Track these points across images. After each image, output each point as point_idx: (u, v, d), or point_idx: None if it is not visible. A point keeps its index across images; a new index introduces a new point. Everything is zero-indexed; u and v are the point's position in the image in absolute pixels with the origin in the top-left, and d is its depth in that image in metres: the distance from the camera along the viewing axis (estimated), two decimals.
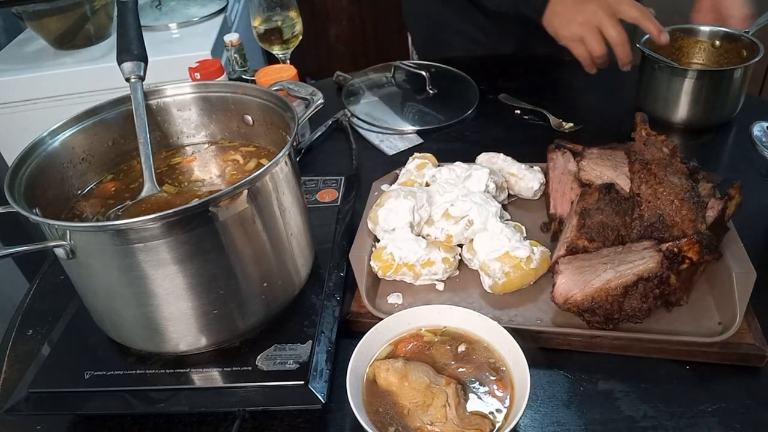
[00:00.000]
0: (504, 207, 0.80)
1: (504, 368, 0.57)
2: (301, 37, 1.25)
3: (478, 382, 0.57)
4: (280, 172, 0.60)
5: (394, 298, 0.70)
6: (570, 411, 0.58)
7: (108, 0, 1.58)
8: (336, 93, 1.20)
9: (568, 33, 0.95)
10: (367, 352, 0.59)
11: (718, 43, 1.03)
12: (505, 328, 0.58)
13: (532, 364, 0.54)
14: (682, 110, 0.96)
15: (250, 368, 0.59)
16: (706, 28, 1.03)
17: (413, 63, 1.23)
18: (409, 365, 0.57)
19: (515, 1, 1.04)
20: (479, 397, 0.55)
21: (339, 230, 0.78)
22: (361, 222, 0.79)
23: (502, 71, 1.23)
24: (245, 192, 0.55)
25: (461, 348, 0.60)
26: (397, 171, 0.88)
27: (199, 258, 0.55)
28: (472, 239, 0.71)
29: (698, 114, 0.96)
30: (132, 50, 0.66)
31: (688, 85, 0.94)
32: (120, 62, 0.66)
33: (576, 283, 0.63)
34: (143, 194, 0.62)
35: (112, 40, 1.62)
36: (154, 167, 0.64)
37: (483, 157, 0.86)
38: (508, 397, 0.55)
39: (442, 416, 0.52)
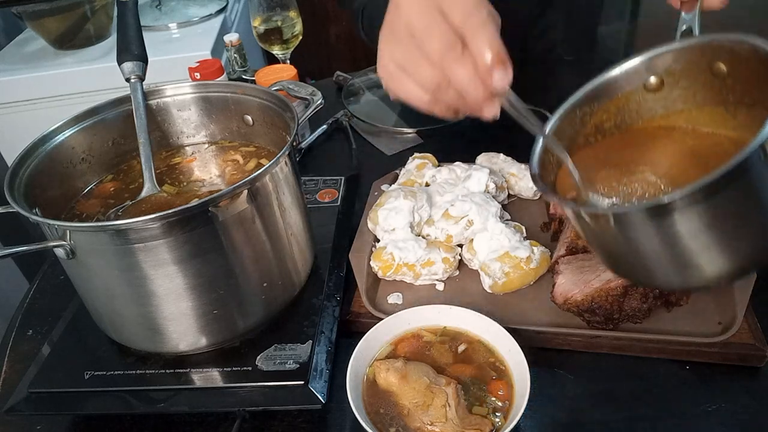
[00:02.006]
0: (504, 207, 0.80)
1: (504, 368, 0.57)
2: (301, 37, 1.25)
3: (478, 382, 0.57)
4: (280, 172, 0.60)
5: (394, 298, 0.70)
6: (570, 411, 0.58)
7: (108, 0, 1.58)
8: (336, 93, 1.20)
9: (412, 99, 0.55)
10: (367, 352, 0.59)
11: (723, 67, 0.50)
12: (505, 328, 0.58)
13: (532, 364, 0.54)
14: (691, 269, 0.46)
15: (250, 368, 0.59)
16: (683, 43, 0.52)
17: None
18: (409, 365, 0.57)
19: None
20: (479, 397, 0.55)
21: (339, 230, 0.78)
22: (361, 222, 0.79)
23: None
24: (245, 192, 0.55)
25: (461, 348, 0.60)
26: (397, 171, 0.88)
27: (199, 258, 0.55)
28: (472, 239, 0.71)
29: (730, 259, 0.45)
30: (132, 50, 0.66)
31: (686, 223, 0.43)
32: (120, 62, 0.66)
33: (576, 283, 0.63)
34: (143, 194, 0.62)
35: (112, 40, 1.62)
36: (154, 167, 0.64)
37: (483, 157, 0.86)
38: (508, 397, 0.55)
39: (442, 416, 0.52)
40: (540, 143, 0.52)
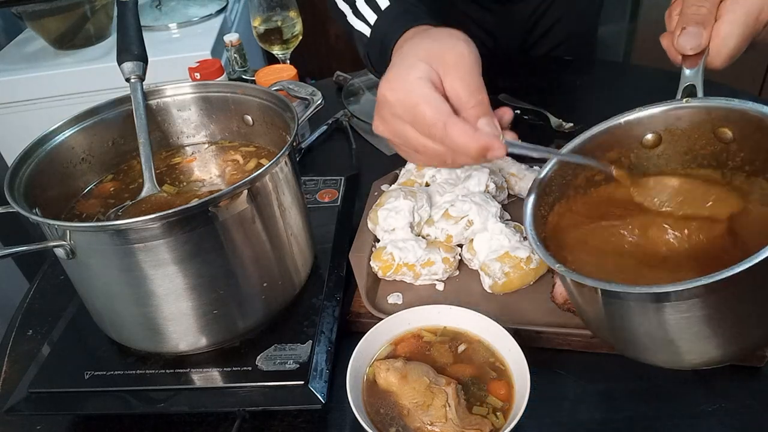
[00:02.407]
0: (504, 207, 0.80)
1: (504, 368, 0.57)
2: (301, 37, 1.25)
3: (478, 382, 0.57)
4: (280, 172, 0.60)
5: (394, 298, 0.70)
6: (570, 411, 0.58)
7: (108, 0, 1.58)
8: (336, 93, 1.20)
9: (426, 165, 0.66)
10: (367, 352, 0.59)
11: (729, 132, 0.49)
12: (505, 328, 0.58)
13: (532, 364, 0.54)
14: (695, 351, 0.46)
15: (250, 368, 0.59)
16: (692, 104, 0.50)
17: None
18: (409, 365, 0.57)
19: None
20: (479, 397, 0.55)
21: (339, 230, 0.78)
22: (361, 222, 0.79)
23: (502, 71, 1.23)
24: (245, 192, 0.55)
25: (461, 348, 0.60)
26: (397, 171, 0.88)
27: (199, 258, 0.55)
28: (472, 239, 0.71)
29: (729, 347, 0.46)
30: (132, 50, 0.66)
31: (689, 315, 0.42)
32: (120, 62, 0.66)
33: None
34: (143, 194, 0.62)
35: (112, 40, 1.62)
36: (154, 167, 0.64)
37: None
38: (508, 397, 0.55)
39: (442, 416, 0.52)
40: (532, 200, 0.51)
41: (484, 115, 0.51)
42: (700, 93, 0.50)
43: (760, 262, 0.35)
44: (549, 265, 0.45)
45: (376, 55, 0.68)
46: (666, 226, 0.50)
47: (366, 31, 0.69)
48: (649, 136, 0.53)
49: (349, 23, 0.72)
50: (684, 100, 0.50)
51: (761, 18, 0.48)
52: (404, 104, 0.52)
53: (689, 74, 0.50)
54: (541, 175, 0.52)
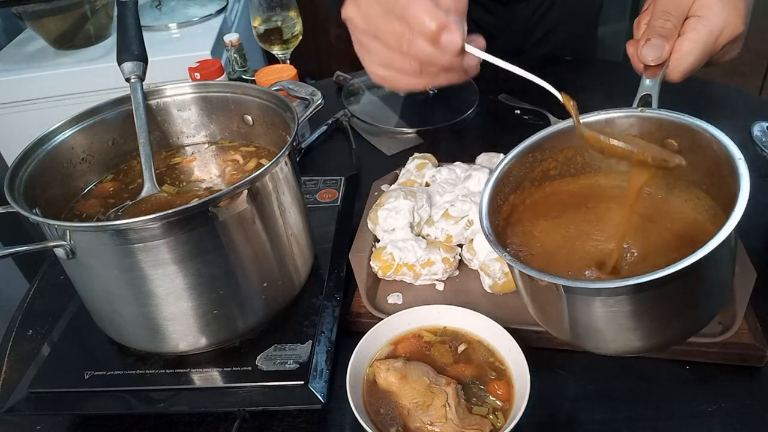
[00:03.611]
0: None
1: (504, 368, 0.57)
2: (301, 37, 1.25)
3: (478, 382, 0.57)
4: (280, 172, 0.60)
5: (394, 298, 0.70)
6: (570, 411, 0.58)
7: (108, 0, 1.58)
8: (336, 93, 1.20)
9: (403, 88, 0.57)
10: (367, 352, 0.59)
11: (674, 144, 0.51)
12: (505, 328, 0.58)
13: (532, 364, 0.54)
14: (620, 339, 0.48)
15: (250, 368, 0.59)
16: (646, 114, 0.52)
17: None
18: (409, 365, 0.57)
19: None
20: (479, 397, 0.55)
21: (339, 230, 0.78)
22: (361, 222, 0.79)
23: (502, 71, 1.23)
24: (245, 192, 0.55)
25: (461, 348, 0.60)
26: (397, 171, 0.88)
27: (199, 258, 0.55)
28: (472, 239, 0.71)
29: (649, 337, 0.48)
30: (132, 50, 0.66)
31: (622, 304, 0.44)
32: (120, 62, 0.66)
33: None
34: (143, 194, 0.62)
35: (112, 40, 1.62)
36: (154, 167, 0.64)
37: (483, 157, 0.86)
38: (508, 397, 0.55)
39: (442, 416, 0.52)
40: (489, 187, 0.52)
41: (456, 13, 0.50)
42: (654, 104, 0.53)
43: (680, 270, 0.38)
44: (496, 253, 0.47)
45: None
46: (614, 221, 0.53)
47: None
48: (602, 138, 0.54)
49: None
50: (639, 109, 0.52)
51: (720, 40, 0.51)
52: (373, 21, 0.51)
53: (648, 84, 0.54)
54: (500, 166, 0.54)
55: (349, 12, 0.55)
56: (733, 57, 0.56)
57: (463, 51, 0.50)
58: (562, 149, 0.56)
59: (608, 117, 0.53)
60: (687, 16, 0.52)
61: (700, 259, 0.38)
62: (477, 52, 0.51)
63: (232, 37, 1.22)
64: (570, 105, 0.51)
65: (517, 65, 0.51)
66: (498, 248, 0.47)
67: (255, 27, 1.21)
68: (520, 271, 0.46)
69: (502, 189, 0.54)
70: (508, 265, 0.47)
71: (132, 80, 0.66)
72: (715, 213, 0.49)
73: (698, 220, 0.51)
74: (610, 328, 0.46)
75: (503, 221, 0.54)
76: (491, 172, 0.54)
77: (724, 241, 0.40)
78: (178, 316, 0.57)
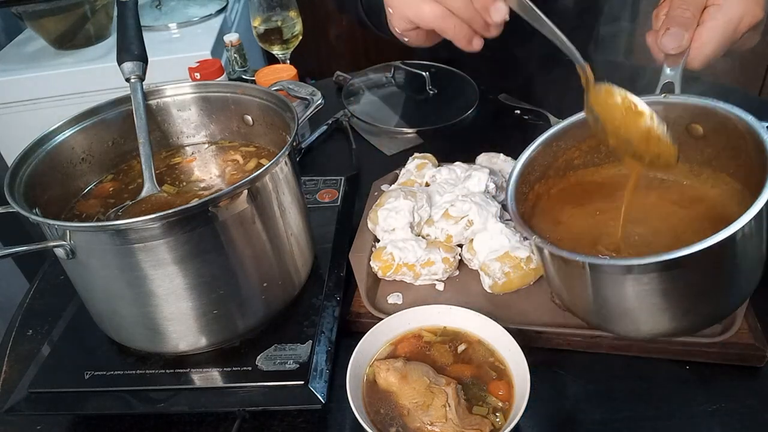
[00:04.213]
0: (504, 207, 0.80)
1: (504, 368, 0.57)
2: (301, 37, 1.25)
3: (478, 382, 0.57)
4: (280, 172, 0.60)
5: (394, 298, 0.70)
6: (570, 411, 0.58)
7: (108, 0, 1.58)
8: (336, 93, 1.20)
9: (424, 15, 0.56)
10: (367, 352, 0.59)
11: (700, 128, 0.52)
12: (505, 328, 0.58)
13: (532, 364, 0.54)
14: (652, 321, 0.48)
15: (250, 368, 0.59)
16: (669, 99, 0.52)
17: (413, 63, 1.23)
18: (409, 365, 0.57)
19: None
20: (479, 397, 0.55)
21: (339, 230, 0.78)
22: (361, 222, 0.79)
23: (502, 71, 1.23)
24: (245, 192, 0.55)
25: (461, 348, 0.60)
26: (397, 171, 0.88)
27: (199, 258, 0.55)
28: (472, 239, 0.71)
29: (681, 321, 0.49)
30: (132, 50, 0.66)
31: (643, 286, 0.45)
32: (120, 62, 0.66)
33: None
34: (143, 194, 0.62)
35: (112, 40, 1.62)
36: (154, 167, 0.64)
37: (483, 157, 0.86)
38: (508, 397, 0.55)
39: (442, 416, 0.52)
40: (516, 172, 0.53)
41: None
42: (677, 90, 0.53)
43: (711, 246, 0.38)
44: (526, 236, 0.47)
45: None
46: (639, 206, 0.53)
47: None
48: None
49: None
50: (662, 95, 0.52)
51: (740, 28, 0.51)
52: None
53: (669, 73, 0.54)
54: (526, 154, 0.54)
55: None
56: (754, 44, 0.56)
57: None
58: (585, 138, 0.56)
59: None
60: (706, 5, 0.52)
61: (732, 234, 0.38)
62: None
63: (232, 37, 1.22)
64: (587, 75, 0.52)
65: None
66: (527, 230, 0.47)
67: (255, 27, 1.21)
68: (550, 252, 0.46)
69: (527, 177, 0.54)
70: (537, 248, 0.47)
71: (132, 80, 0.66)
72: (743, 197, 0.49)
73: (726, 205, 0.50)
74: (641, 308, 0.45)
75: (529, 209, 0.54)
76: (518, 158, 0.54)
77: (755, 216, 0.39)
78: (178, 316, 0.57)
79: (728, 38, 0.51)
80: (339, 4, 0.73)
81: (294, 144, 0.60)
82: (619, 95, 0.51)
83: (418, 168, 0.84)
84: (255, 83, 1.04)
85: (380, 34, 0.71)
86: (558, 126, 0.56)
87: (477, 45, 0.57)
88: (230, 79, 1.21)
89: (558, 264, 0.48)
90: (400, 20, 0.56)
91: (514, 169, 0.53)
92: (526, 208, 0.53)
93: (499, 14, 0.52)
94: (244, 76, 1.22)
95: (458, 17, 0.54)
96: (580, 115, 0.55)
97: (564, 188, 0.57)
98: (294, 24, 1.22)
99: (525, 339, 0.57)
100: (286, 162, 0.61)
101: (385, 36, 0.60)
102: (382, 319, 0.61)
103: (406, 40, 0.61)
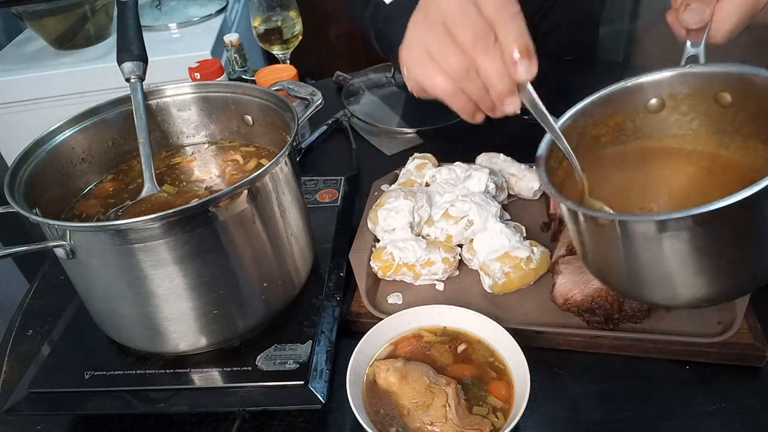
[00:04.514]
0: (504, 207, 0.80)
1: (504, 368, 0.57)
2: (301, 37, 1.25)
3: (478, 382, 0.57)
4: (280, 172, 0.60)
5: (394, 298, 0.70)
6: (570, 411, 0.58)
7: (108, 0, 1.58)
8: (336, 93, 1.20)
9: (435, 86, 0.55)
10: (367, 352, 0.59)
11: (728, 96, 0.51)
12: (505, 328, 0.58)
13: (532, 364, 0.54)
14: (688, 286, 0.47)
15: (250, 368, 0.59)
16: (693, 69, 0.52)
17: None
18: (409, 365, 0.57)
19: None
20: (479, 397, 0.55)
21: (339, 230, 0.78)
22: (361, 222, 0.79)
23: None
24: (245, 192, 0.55)
25: (461, 348, 0.60)
26: (397, 171, 0.88)
27: (199, 258, 0.55)
28: (472, 239, 0.71)
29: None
30: (132, 50, 0.66)
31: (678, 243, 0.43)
32: (120, 62, 0.66)
33: (576, 283, 0.63)
34: (143, 194, 0.62)
35: (112, 40, 1.62)
36: (154, 167, 0.64)
37: (483, 157, 0.86)
38: (508, 397, 0.55)
39: (442, 416, 0.52)
40: (547, 142, 0.52)
41: (527, 60, 0.48)
42: (702, 61, 0.52)
43: (748, 197, 0.37)
44: (559, 201, 0.46)
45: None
46: (670, 178, 0.53)
47: None
48: (653, 101, 0.54)
49: None
50: (687, 66, 0.52)
51: (761, 0, 0.51)
52: (459, 5, 0.49)
53: (692, 49, 0.53)
54: (558, 124, 0.54)
55: (417, 34, 0.55)
56: None
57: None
58: (612, 114, 0.55)
59: (657, 77, 0.53)
60: None
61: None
62: (533, 99, 0.51)
63: (232, 37, 1.22)
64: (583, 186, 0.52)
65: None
66: (559, 196, 0.46)
67: (255, 27, 1.21)
68: (583, 215, 0.45)
69: (556, 152, 0.53)
70: (569, 212, 0.46)
71: (132, 80, 0.66)
72: None
73: (758, 171, 0.49)
74: (677, 269, 0.44)
75: (558, 184, 0.53)
76: (549, 130, 0.52)
77: None
78: (178, 316, 0.57)
79: (750, 10, 0.51)
80: (351, 17, 0.73)
81: (294, 144, 0.60)
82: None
83: (418, 168, 0.84)
84: (255, 83, 1.04)
85: (386, 58, 0.70)
86: (584, 102, 0.55)
87: (479, 119, 0.57)
88: (230, 79, 1.21)
89: (591, 229, 0.47)
90: (411, 82, 0.56)
91: (544, 140, 0.52)
92: (555, 181, 0.52)
93: (512, 107, 0.51)
94: (244, 76, 1.22)
95: (468, 96, 0.53)
96: (606, 90, 0.55)
97: (592, 163, 0.56)
98: (294, 24, 1.22)
99: (525, 339, 0.57)
100: (286, 162, 0.61)
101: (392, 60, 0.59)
102: (382, 319, 0.61)
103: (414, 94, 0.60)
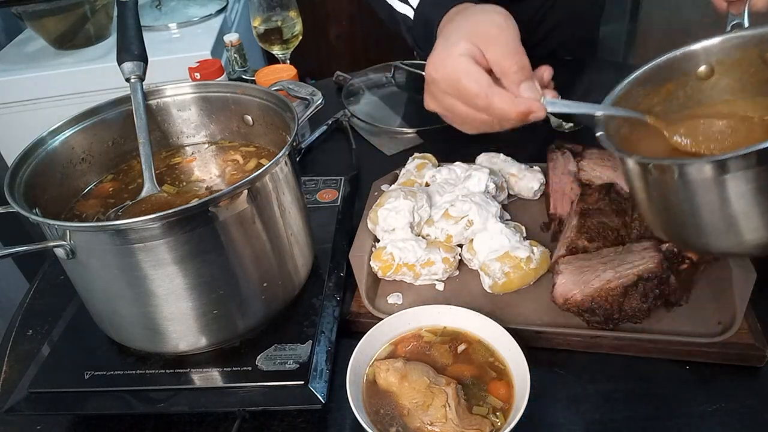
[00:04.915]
0: (504, 207, 0.80)
1: (504, 368, 0.57)
2: (301, 37, 1.25)
3: (478, 382, 0.57)
4: (280, 172, 0.60)
5: (394, 298, 0.70)
6: (570, 411, 0.58)
7: (108, 0, 1.58)
8: (336, 93, 1.20)
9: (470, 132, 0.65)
10: (367, 352, 0.59)
11: None
12: (505, 328, 0.58)
13: (532, 364, 0.54)
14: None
15: (250, 368, 0.59)
16: (739, 34, 0.54)
17: (413, 63, 1.23)
18: (409, 365, 0.57)
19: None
20: (479, 397, 0.55)
21: (339, 230, 0.78)
22: (361, 222, 0.79)
23: None
24: (245, 192, 0.55)
25: (461, 348, 0.60)
26: (397, 171, 0.88)
27: (199, 258, 0.55)
28: (472, 239, 0.71)
29: None
30: (132, 50, 0.66)
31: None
32: (120, 62, 0.66)
33: (576, 283, 0.63)
34: (143, 194, 0.62)
35: (112, 40, 1.62)
36: (154, 167, 0.64)
37: (483, 157, 0.86)
38: (508, 397, 0.55)
39: (442, 416, 0.52)
40: (602, 120, 0.53)
41: (526, 80, 0.57)
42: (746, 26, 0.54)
43: None
44: (618, 156, 0.48)
45: (421, 37, 0.73)
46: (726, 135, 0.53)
47: (409, 13, 0.75)
48: (703, 68, 0.56)
49: (391, 6, 0.77)
50: (733, 31, 0.53)
51: None
52: (448, 81, 0.59)
53: (735, 18, 0.55)
54: (612, 96, 0.56)
55: (431, 107, 0.64)
56: None
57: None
58: (663, 84, 0.57)
59: (706, 44, 0.54)
60: None
61: None
62: (557, 106, 0.57)
63: (232, 37, 1.22)
64: (656, 122, 0.53)
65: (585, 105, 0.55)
66: (619, 150, 0.47)
67: (255, 27, 1.21)
68: (653, 165, 0.46)
69: (611, 119, 0.54)
70: (637, 167, 0.47)
71: (132, 80, 0.66)
72: None
73: None
74: (742, 212, 0.44)
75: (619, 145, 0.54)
76: (606, 99, 0.54)
77: None
78: (178, 316, 0.57)
79: None
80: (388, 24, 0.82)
81: (294, 144, 0.60)
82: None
83: (418, 168, 0.84)
84: (255, 83, 1.04)
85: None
86: (634, 74, 0.56)
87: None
88: (230, 79, 1.21)
89: (653, 179, 0.48)
90: (430, 101, 0.64)
91: (605, 102, 0.54)
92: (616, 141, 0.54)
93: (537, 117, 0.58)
94: (244, 76, 1.22)
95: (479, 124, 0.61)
96: (657, 60, 0.56)
97: (645, 134, 0.56)
98: (294, 24, 1.22)
99: (525, 339, 0.57)
100: (286, 162, 0.61)
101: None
102: (382, 319, 0.61)
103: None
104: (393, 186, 0.82)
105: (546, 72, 0.60)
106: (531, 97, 0.57)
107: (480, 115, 0.59)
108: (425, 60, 0.63)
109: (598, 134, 0.51)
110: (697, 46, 0.54)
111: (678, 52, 0.55)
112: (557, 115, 1.03)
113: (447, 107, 0.62)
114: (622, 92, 0.56)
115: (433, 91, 0.62)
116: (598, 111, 0.54)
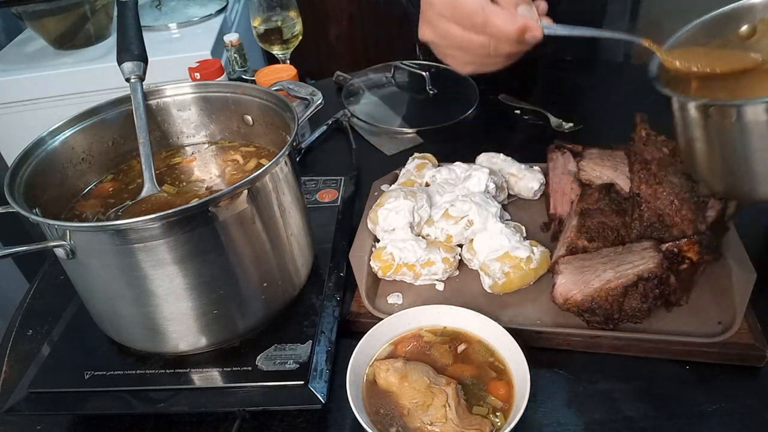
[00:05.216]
0: (504, 207, 0.80)
1: (504, 368, 0.57)
2: (301, 37, 1.25)
3: (478, 382, 0.57)
4: (280, 172, 0.60)
5: (394, 298, 0.70)
6: (570, 411, 0.58)
7: (108, 0, 1.58)
8: (336, 93, 1.20)
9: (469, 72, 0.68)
10: (367, 352, 0.59)
11: None
12: (505, 328, 0.58)
13: (532, 364, 0.54)
14: None
15: (250, 368, 0.59)
16: None
17: (413, 63, 1.23)
18: (409, 365, 0.57)
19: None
20: (479, 397, 0.55)
21: (339, 230, 0.78)
22: (361, 222, 0.79)
23: (503, 71, 1.23)
24: (245, 192, 0.55)
25: (461, 348, 0.60)
26: (397, 171, 0.88)
27: (199, 258, 0.55)
28: (472, 239, 0.71)
29: None
30: (132, 50, 0.66)
31: None
32: (120, 62, 0.66)
33: (576, 283, 0.63)
34: (143, 194, 0.62)
35: (112, 40, 1.62)
36: (154, 167, 0.64)
37: (483, 157, 0.86)
38: (508, 397, 0.55)
39: (442, 416, 0.52)
40: (656, 63, 0.55)
41: (523, 2, 0.58)
42: None
43: None
44: (672, 97, 0.50)
45: None
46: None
47: None
48: (745, 28, 0.58)
49: None
50: None
51: None
52: (445, 1, 0.58)
53: None
54: (666, 47, 0.56)
55: (426, 35, 0.63)
56: None
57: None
58: (705, 43, 0.57)
59: (748, 3, 0.55)
60: None
61: None
62: (554, 30, 0.59)
63: (232, 37, 1.22)
64: (651, 45, 0.55)
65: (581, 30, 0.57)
66: (672, 91, 0.48)
67: (255, 27, 1.21)
68: (712, 107, 0.47)
69: (664, 70, 0.55)
70: (693, 108, 0.48)
71: (132, 80, 0.66)
72: None
73: None
74: None
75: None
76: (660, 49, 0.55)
77: None
78: (178, 316, 0.57)
79: None
80: None
81: (294, 144, 0.60)
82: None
83: (418, 168, 0.84)
84: (255, 83, 1.04)
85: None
86: (679, 32, 0.58)
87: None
88: (230, 79, 1.21)
89: (710, 122, 0.48)
90: (425, 28, 0.63)
91: (654, 58, 0.55)
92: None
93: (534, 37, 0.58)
94: (244, 76, 1.22)
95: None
96: (698, 20, 0.57)
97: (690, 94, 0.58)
98: (294, 24, 1.22)
99: (525, 339, 0.57)
100: (286, 162, 0.61)
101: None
102: (382, 319, 0.61)
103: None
104: (393, 186, 0.82)
105: (542, 4, 0.61)
106: (528, 16, 0.57)
107: (477, 37, 0.58)
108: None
109: (655, 85, 0.52)
110: (739, 5, 0.55)
111: (719, 12, 0.56)
112: (557, 116, 1.03)
113: (442, 33, 0.61)
114: (670, 47, 0.57)
115: (428, 15, 0.62)
116: (594, 33, 0.57)
